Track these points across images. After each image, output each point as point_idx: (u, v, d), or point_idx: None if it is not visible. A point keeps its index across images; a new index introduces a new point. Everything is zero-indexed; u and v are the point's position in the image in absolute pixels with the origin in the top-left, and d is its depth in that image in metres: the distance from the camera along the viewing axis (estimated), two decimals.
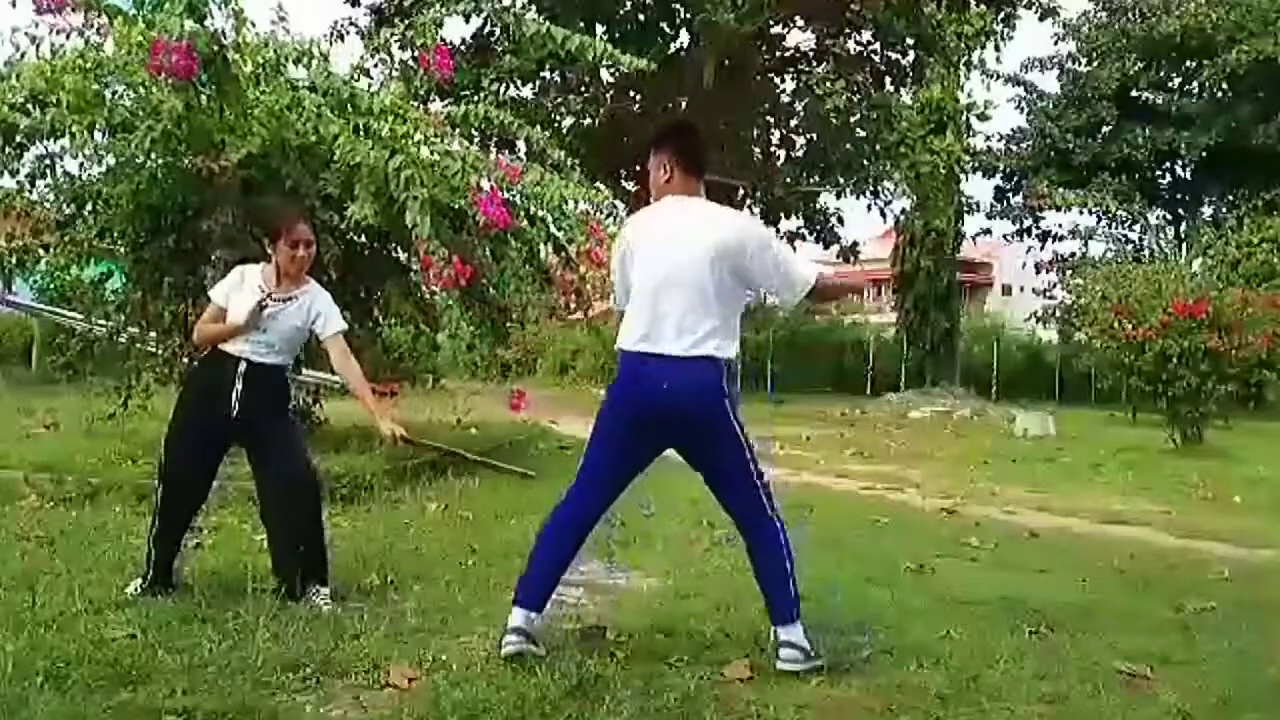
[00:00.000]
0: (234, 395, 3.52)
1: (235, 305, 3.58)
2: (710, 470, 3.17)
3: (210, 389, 3.60)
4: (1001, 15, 18.12)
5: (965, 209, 23.12)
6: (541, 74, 16.92)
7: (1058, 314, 22.78)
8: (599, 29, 16.06)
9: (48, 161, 5.76)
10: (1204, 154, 23.48)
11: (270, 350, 3.59)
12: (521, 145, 9.32)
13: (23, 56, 5.39)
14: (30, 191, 5.92)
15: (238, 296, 3.59)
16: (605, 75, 16.68)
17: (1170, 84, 24.78)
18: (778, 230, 19.92)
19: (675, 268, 3.02)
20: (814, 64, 18.35)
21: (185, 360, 6.42)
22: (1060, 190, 23.14)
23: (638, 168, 19.15)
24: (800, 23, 18.28)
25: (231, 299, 3.60)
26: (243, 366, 3.54)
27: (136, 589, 3.52)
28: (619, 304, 3.25)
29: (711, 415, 3.03)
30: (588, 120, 17.82)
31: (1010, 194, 26.60)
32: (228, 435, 3.63)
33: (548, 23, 6.42)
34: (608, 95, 17.86)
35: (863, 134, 18.22)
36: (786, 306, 3.68)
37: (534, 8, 15.23)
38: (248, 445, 3.66)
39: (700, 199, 3.19)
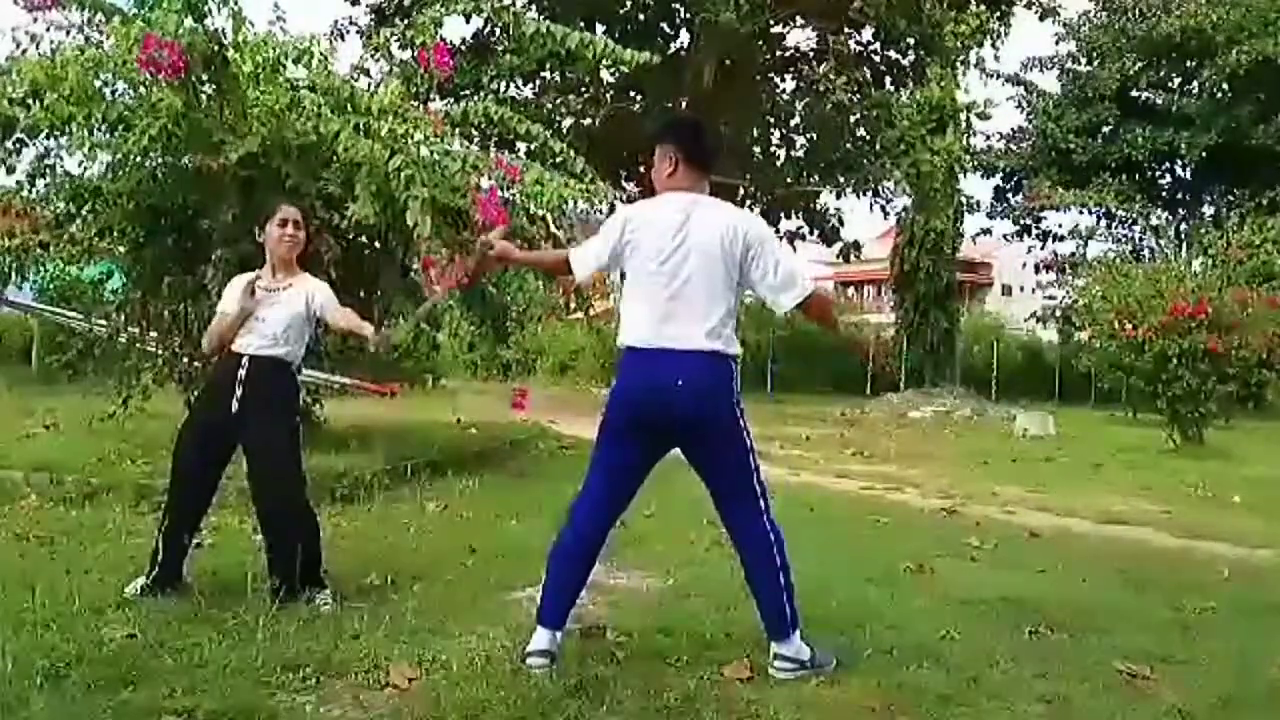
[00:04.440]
0: (235, 392, 3.54)
1: (229, 299, 3.70)
2: (711, 472, 3.08)
3: (216, 386, 3.69)
4: (998, 14, 18.11)
5: (965, 209, 23.11)
6: (541, 74, 16.93)
7: (1058, 314, 22.81)
8: (599, 28, 16.07)
9: (48, 161, 5.76)
10: (1204, 154, 23.49)
11: (274, 342, 3.59)
12: (521, 145, 9.29)
13: (24, 53, 5.39)
14: (30, 190, 5.92)
15: (232, 294, 3.70)
16: (605, 75, 16.68)
17: (1170, 84, 24.80)
18: (778, 230, 19.94)
19: (683, 262, 2.97)
20: (814, 63, 18.36)
21: (186, 360, 6.42)
22: (1061, 190, 23.15)
23: (639, 168, 19.20)
24: (800, 22, 18.28)
25: (228, 296, 3.73)
26: (245, 361, 3.57)
27: (136, 589, 3.52)
28: (579, 270, 3.20)
29: (720, 413, 2.98)
30: (588, 120, 17.82)
31: (1010, 194, 26.67)
32: (229, 433, 3.62)
33: (547, 22, 6.42)
34: (608, 95, 17.86)
35: (863, 133, 18.24)
36: (779, 309, 3.58)
37: (534, 7, 15.24)
38: (244, 445, 3.65)
39: (703, 195, 3.12)
